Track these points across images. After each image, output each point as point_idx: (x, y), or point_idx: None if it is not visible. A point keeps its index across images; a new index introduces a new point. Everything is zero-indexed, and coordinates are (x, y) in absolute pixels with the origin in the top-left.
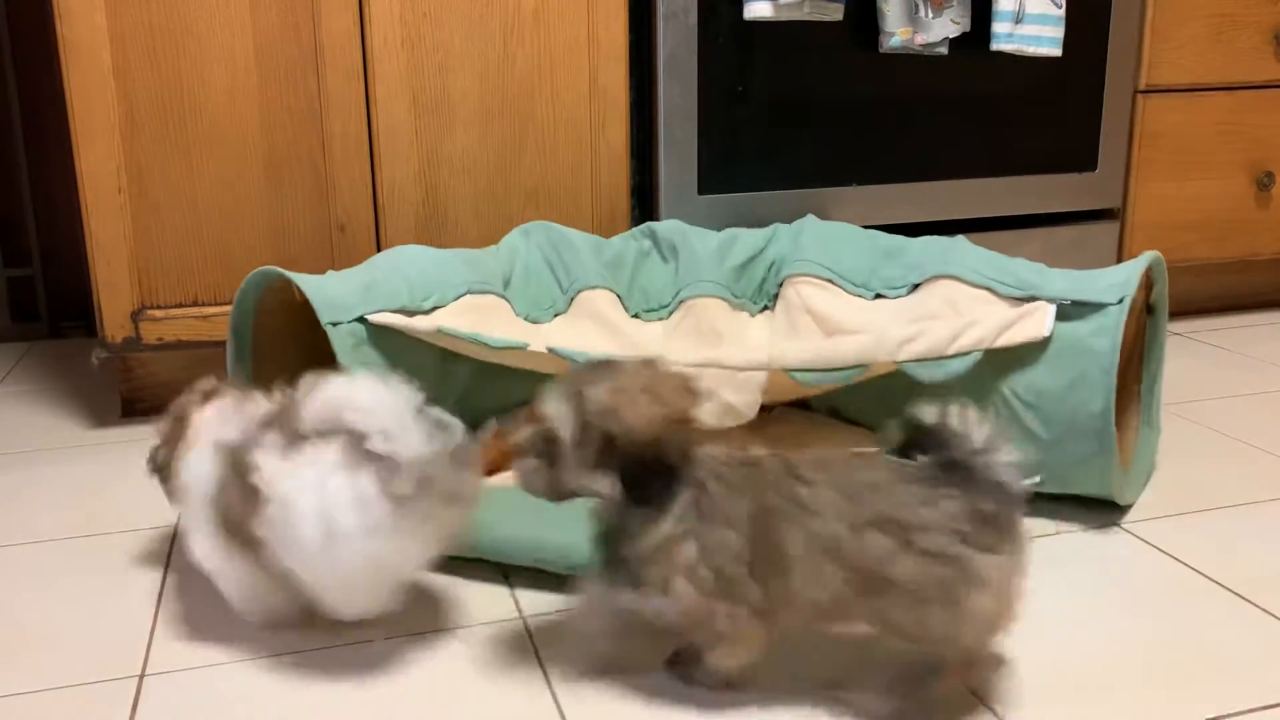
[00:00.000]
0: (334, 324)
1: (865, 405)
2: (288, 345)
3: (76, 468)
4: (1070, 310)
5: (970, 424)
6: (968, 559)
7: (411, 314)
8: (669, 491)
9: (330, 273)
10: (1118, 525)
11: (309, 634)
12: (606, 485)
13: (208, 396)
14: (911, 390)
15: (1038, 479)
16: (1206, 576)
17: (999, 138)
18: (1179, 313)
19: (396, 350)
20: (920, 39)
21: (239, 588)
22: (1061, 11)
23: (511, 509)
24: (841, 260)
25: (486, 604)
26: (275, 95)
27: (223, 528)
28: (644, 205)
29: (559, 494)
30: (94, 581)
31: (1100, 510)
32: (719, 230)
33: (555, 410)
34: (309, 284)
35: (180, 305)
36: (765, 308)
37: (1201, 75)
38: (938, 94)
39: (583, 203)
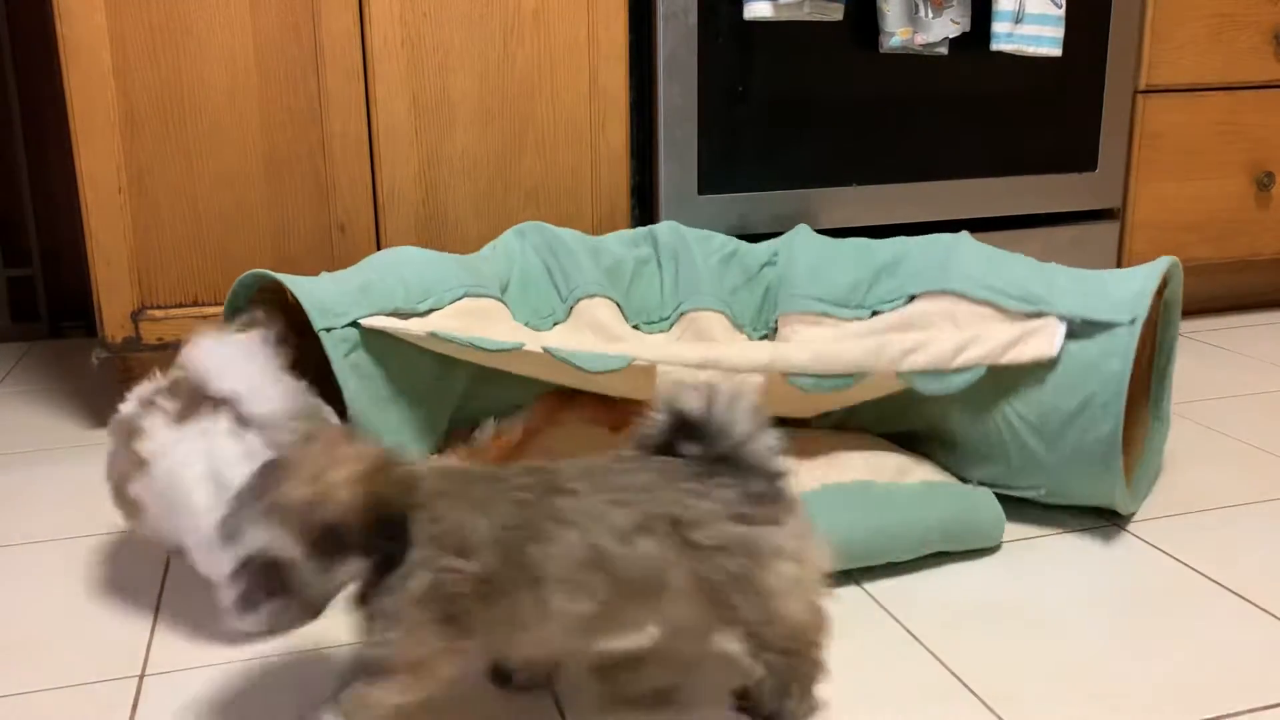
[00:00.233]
0: (327, 329)
1: (869, 420)
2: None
3: (76, 468)
4: (1079, 328)
5: (730, 411)
6: (755, 537)
7: (406, 316)
8: (407, 538)
9: (324, 274)
10: (1118, 525)
11: (306, 634)
12: (354, 570)
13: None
14: (908, 409)
15: (1041, 491)
16: (1207, 577)
17: (999, 138)
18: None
19: (392, 354)
20: (920, 39)
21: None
22: (1061, 11)
23: None
24: (834, 285)
25: None
26: (275, 95)
27: (114, 497)
28: (644, 205)
29: (316, 611)
30: (94, 581)
31: (1101, 511)
32: (717, 231)
33: (260, 538)
34: (301, 288)
35: (180, 305)
36: (764, 337)
37: (1201, 75)
38: (938, 94)
39: (583, 203)
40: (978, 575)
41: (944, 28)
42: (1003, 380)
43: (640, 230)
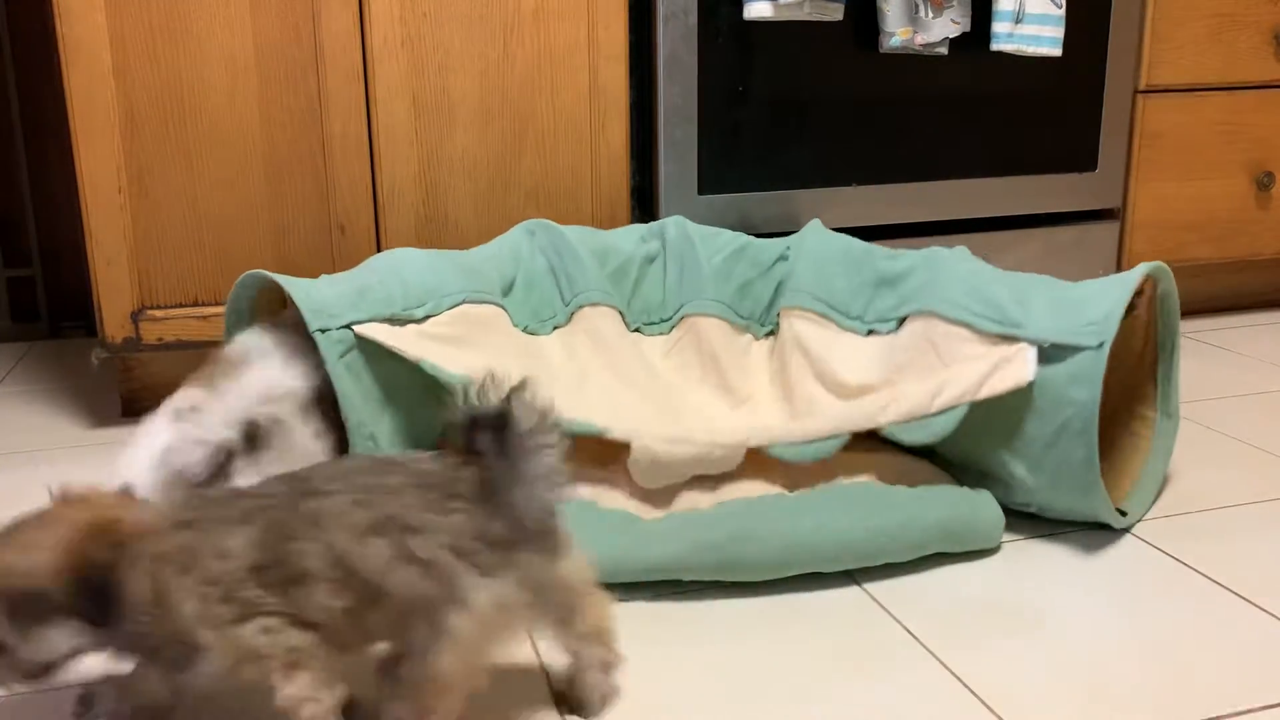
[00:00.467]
0: (322, 330)
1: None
2: None
3: (76, 468)
4: (1050, 352)
5: (525, 431)
6: (457, 575)
7: (403, 322)
8: (112, 600)
9: (324, 276)
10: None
11: None
12: (71, 633)
13: None
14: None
15: (1031, 508)
16: (1207, 577)
17: (999, 138)
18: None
19: (388, 356)
20: (920, 39)
21: None
22: (1061, 11)
23: None
24: (836, 289)
25: None
26: (275, 96)
27: None
28: (644, 205)
29: (31, 673)
30: None
31: None
32: (726, 229)
33: None
34: (298, 290)
35: (180, 305)
36: (771, 332)
37: (1201, 75)
38: (938, 94)
39: (583, 203)
40: (978, 575)
41: (944, 28)
42: (983, 410)
43: (653, 225)
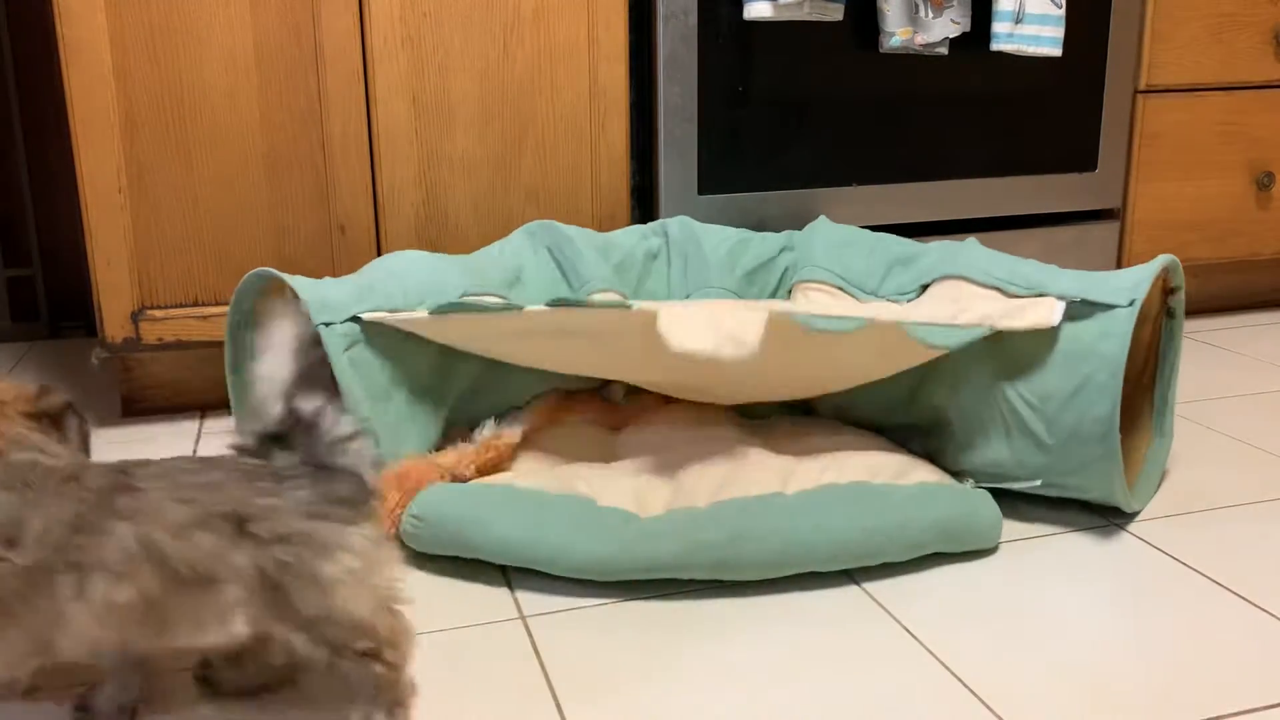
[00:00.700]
0: (326, 324)
1: (870, 410)
2: None
3: None
4: (1078, 310)
5: (329, 421)
6: (319, 531)
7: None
8: None
9: (327, 279)
10: (1118, 525)
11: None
12: None
13: None
14: (914, 394)
15: (1037, 482)
16: (1207, 577)
17: (999, 138)
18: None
19: (393, 349)
20: (920, 39)
21: None
22: (1061, 11)
23: (506, 508)
24: (852, 267)
25: (486, 604)
26: (275, 95)
27: None
28: (644, 205)
29: None
30: None
31: (1100, 511)
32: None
33: None
34: (303, 285)
35: (180, 305)
36: None
37: (1201, 75)
38: (938, 94)
39: (583, 203)
40: (977, 575)
41: (944, 28)
42: (1004, 360)
43: (654, 224)
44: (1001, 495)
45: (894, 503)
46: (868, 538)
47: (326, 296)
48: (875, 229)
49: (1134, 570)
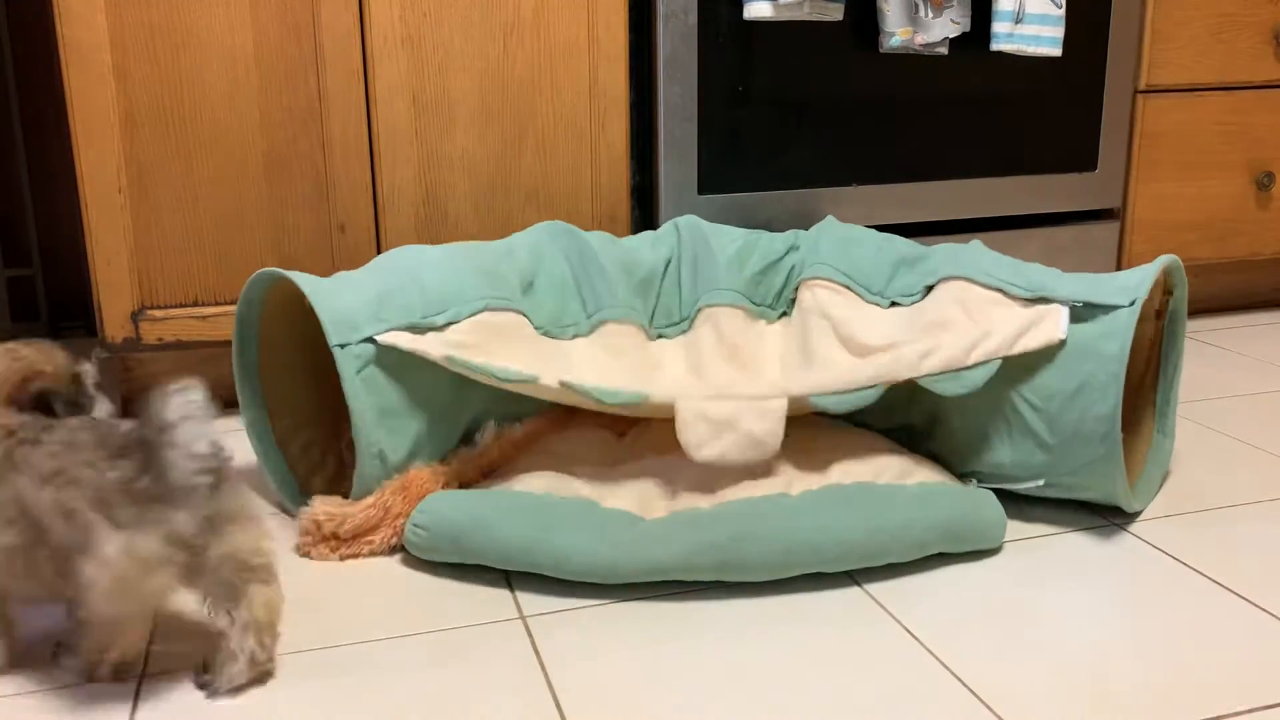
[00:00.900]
0: (341, 345)
1: (871, 412)
2: (290, 343)
3: None
4: (1081, 312)
5: (174, 404)
6: (92, 524)
7: (424, 331)
8: None
9: (342, 274)
10: (1118, 525)
11: (306, 634)
12: None
13: None
14: (914, 395)
15: (1040, 483)
16: (1207, 577)
17: (999, 138)
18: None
19: (407, 367)
20: (920, 39)
21: None
22: (1061, 11)
23: (508, 514)
24: (858, 266)
25: (486, 604)
26: (275, 95)
27: None
28: (644, 205)
29: None
30: None
31: (1101, 511)
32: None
33: None
34: (320, 299)
35: (180, 305)
36: (784, 314)
37: (1201, 75)
38: (938, 94)
39: (583, 203)
40: (978, 575)
41: (944, 28)
42: (1011, 367)
43: (666, 226)
44: (1002, 496)
45: (898, 503)
46: (872, 538)
47: (340, 311)
48: (875, 229)
49: (1134, 570)
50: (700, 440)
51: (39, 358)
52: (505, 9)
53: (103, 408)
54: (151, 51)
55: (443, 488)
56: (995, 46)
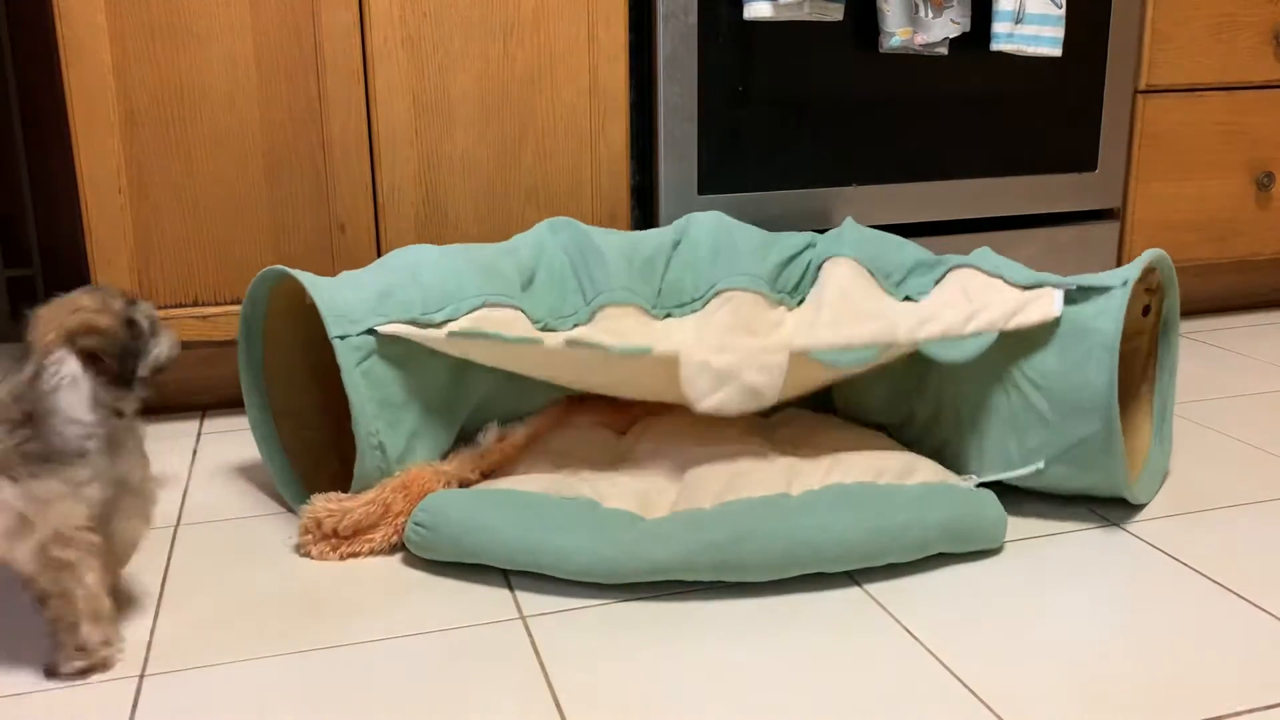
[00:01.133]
0: (341, 337)
1: (878, 401)
2: (294, 343)
3: None
4: (1075, 295)
5: (48, 376)
6: None
7: (423, 327)
8: None
9: (344, 274)
10: (1118, 525)
11: (306, 634)
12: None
13: None
14: (922, 382)
15: (1041, 464)
16: (1207, 576)
17: (999, 138)
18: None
19: (407, 360)
20: (920, 39)
21: None
22: (1061, 11)
23: (509, 513)
24: (880, 257)
25: (486, 604)
26: (275, 95)
27: None
28: (644, 205)
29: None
30: None
31: (1100, 511)
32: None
33: None
34: (321, 294)
35: (180, 305)
36: (802, 301)
37: (1201, 75)
38: (938, 94)
39: (583, 203)
40: (978, 575)
41: (944, 28)
42: (1008, 343)
43: (684, 217)
44: (1002, 495)
45: (899, 503)
46: (873, 538)
47: (341, 306)
48: (875, 229)
49: (1134, 570)
50: (703, 392)
51: (95, 312)
52: (505, 9)
53: (163, 346)
54: (151, 51)
55: (443, 487)
56: (995, 46)
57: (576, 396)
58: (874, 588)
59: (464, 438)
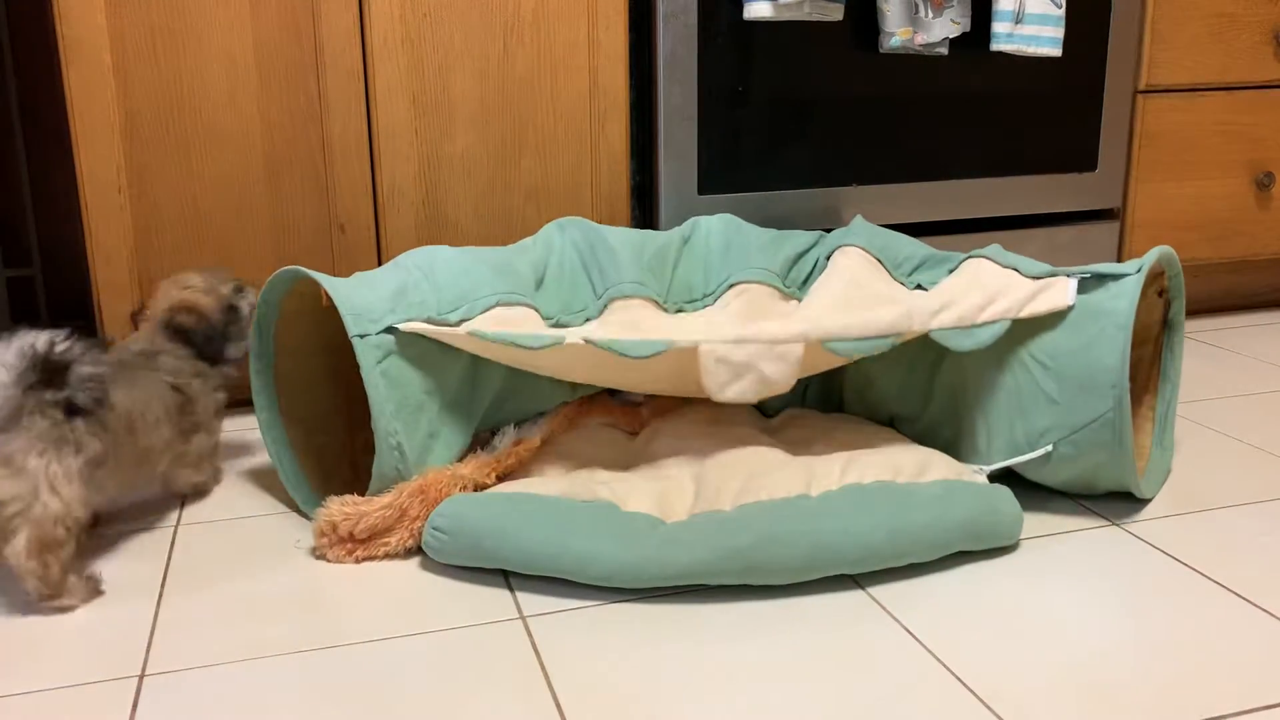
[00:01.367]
0: (361, 336)
1: (889, 395)
2: (304, 348)
3: None
4: (1089, 283)
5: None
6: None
7: (439, 325)
8: None
9: (358, 274)
10: (1118, 525)
11: (306, 634)
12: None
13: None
14: (935, 370)
15: (1048, 448)
16: (1207, 576)
17: (999, 138)
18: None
19: (425, 359)
20: (920, 39)
21: None
22: (1061, 11)
23: (528, 517)
24: (891, 248)
25: (486, 604)
26: (275, 95)
27: None
28: (644, 205)
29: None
30: None
31: (1101, 511)
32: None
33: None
34: (340, 292)
35: None
36: None
37: (1201, 75)
38: (938, 94)
39: (583, 203)
40: (978, 576)
41: (944, 28)
42: (1021, 328)
43: (688, 222)
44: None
45: (918, 503)
46: (894, 540)
47: (359, 305)
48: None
49: (1134, 570)
50: (722, 383)
51: (201, 292)
52: (505, 9)
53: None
54: (151, 51)
55: (460, 491)
56: (995, 46)
57: (587, 397)
58: (874, 588)
59: (478, 441)
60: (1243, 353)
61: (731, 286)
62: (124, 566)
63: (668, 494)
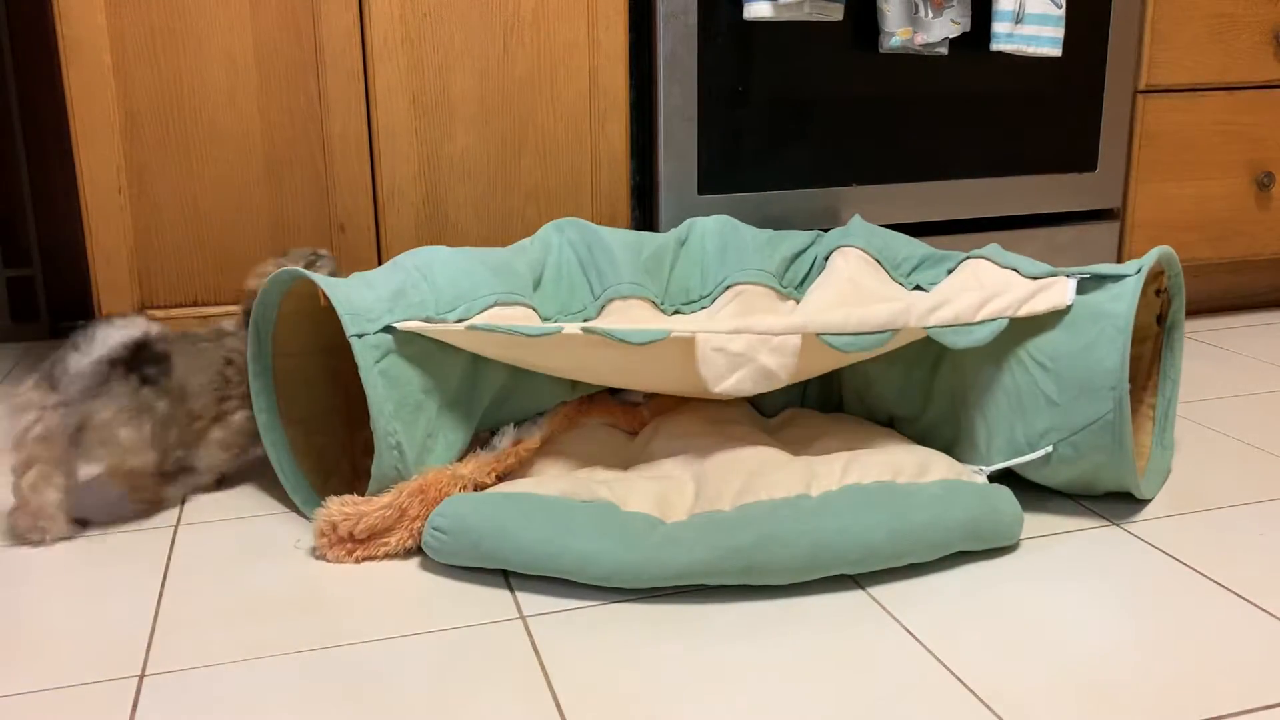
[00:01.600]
0: (359, 335)
1: (888, 394)
2: (302, 349)
3: None
4: (1089, 284)
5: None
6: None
7: (437, 323)
8: None
9: (356, 275)
10: (1118, 526)
11: (306, 634)
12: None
13: None
14: (934, 371)
15: (1048, 449)
16: (1206, 576)
17: (999, 138)
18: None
19: (424, 358)
20: (920, 39)
21: None
22: (1061, 11)
23: (528, 517)
24: (890, 247)
25: (486, 604)
26: (275, 95)
27: None
28: (644, 205)
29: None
30: (94, 581)
31: (1101, 511)
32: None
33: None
34: (337, 293)
35: (180, 305)
36: None
37: (1201, 75)
38: (938, 94)
39: (583, 203)
40: (978, 575)
41: (944, 28)
42: (1019, 328)
43: (684, 224)
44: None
45: (919, 503)
46: (895, 540)
47: (357, 305)
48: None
49: (1134, 570)
50: (718, 374)
51: (264, 278)
52: (505, 9)
53: None
54: (151, 51)
55: (460, 491)
56: (995, 46)
57: (587, 397)
58: (874, 588)
59: (478, 441)
60: (1243, 353)
61: (728, 288)
62: (124, 566)
63: (668, 494)
